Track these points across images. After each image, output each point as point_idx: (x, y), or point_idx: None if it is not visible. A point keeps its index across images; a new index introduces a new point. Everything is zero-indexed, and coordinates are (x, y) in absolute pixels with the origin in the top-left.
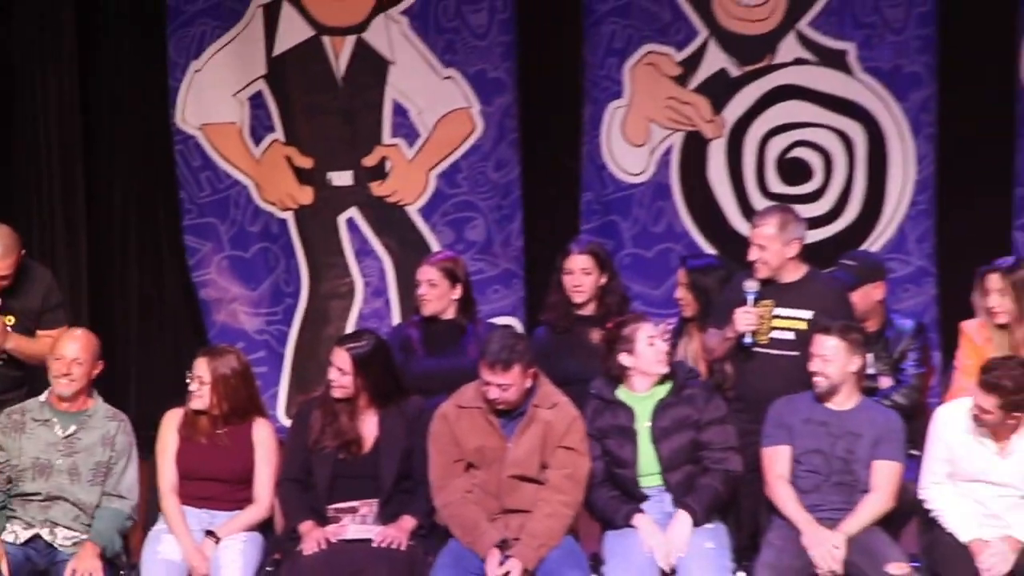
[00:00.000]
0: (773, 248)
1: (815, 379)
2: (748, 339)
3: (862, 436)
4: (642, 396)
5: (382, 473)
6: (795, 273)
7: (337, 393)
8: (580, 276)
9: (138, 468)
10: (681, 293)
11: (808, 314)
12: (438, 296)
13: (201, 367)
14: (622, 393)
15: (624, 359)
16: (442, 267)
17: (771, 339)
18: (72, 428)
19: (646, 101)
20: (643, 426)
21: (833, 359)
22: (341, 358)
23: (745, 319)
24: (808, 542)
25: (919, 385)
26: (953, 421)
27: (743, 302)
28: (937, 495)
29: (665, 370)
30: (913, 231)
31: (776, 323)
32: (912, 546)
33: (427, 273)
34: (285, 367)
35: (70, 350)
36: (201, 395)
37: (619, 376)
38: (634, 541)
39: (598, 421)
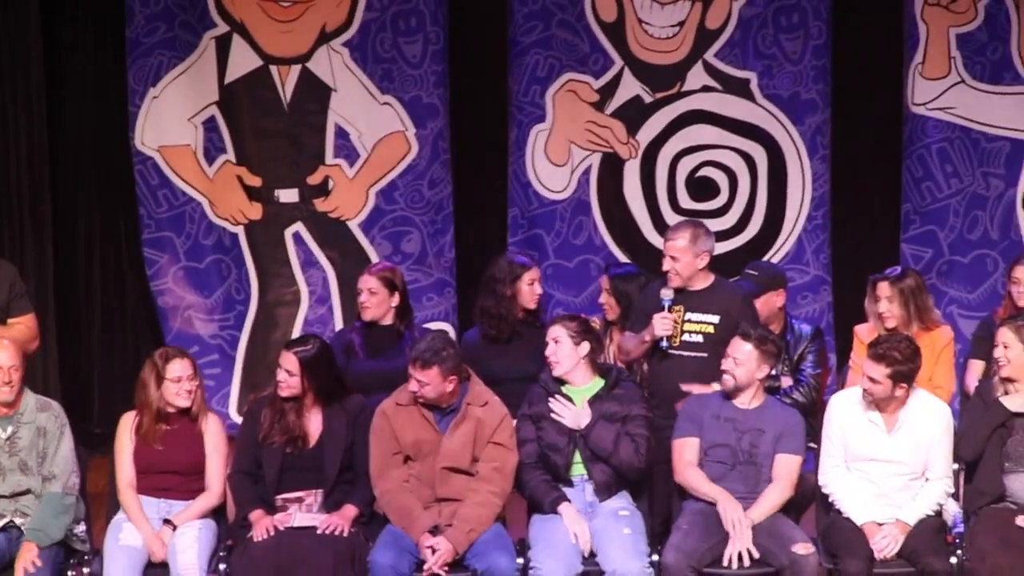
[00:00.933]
0: (685, 259)
1: (724, 377)
2: (665, 342)
3: (766, 432)
4: (579, 389)
5: (326, 465)
6: (704, 282)
7: (285, 392)
8: (538, 286)
9: (72, 446)
10: (604, 299)
11: (715, 319)
12: (378, 303)
13: (188, 367)
14: (564, 385)
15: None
16: (381, 276)
17: (682, 342)
18: (10, 430)
19: (567, 124)
20: None
21: (744, 363)
22: (289, 360)
23: (662, 324)
24: (722, 508)
25: (816, 384)
26: (845, 405)
27: (658, 309)
28: (835, 480)
29: (556, 373)
30: (810, 243)
31: (687, 327)
32: (811, 530)
33: (368, 282)
34: (236, 368)
35: (3, 359)
36: (191, 390)
37: None
38: (558, 527)
39: (537, 406)
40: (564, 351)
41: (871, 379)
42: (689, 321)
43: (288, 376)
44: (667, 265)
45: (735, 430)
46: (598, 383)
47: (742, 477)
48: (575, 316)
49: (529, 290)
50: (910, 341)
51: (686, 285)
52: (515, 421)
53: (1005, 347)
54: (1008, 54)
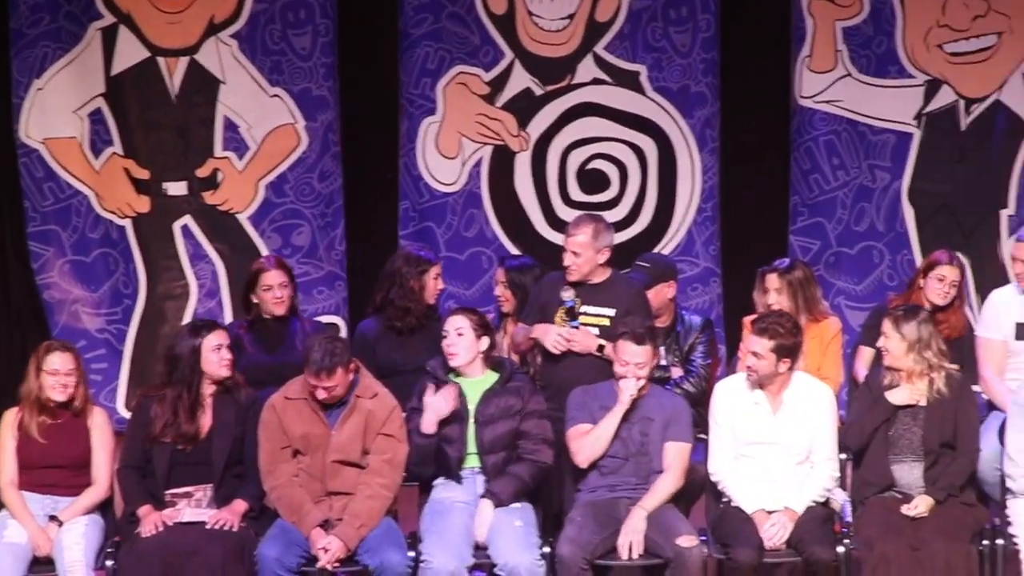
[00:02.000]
0: (586, 255)
1: (628, 383)
2: (568, 303)
3: (654, 420)
4: (471, 381)
5: (214, 460)
6: (601, 275)
7: (228, 370)
8: (441, 281)
9: None
10: (500, 291)
11: (611, 312)
12: (289, 296)
13: (68, 361)
14: (453, 375)
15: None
16: (286, 268)
17: None
18: None
19: (458, 117)
20: (469, 408)
21: (646, 364)
22: (225, 337)
23: (554, 341)
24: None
25: (707, 375)
26: (730, 389)
27: (553, 303)
28: (724, 468)
29: (452, 364)
30: (700, 235)
31: (582, 320)
32: (702, 521)
33: (278, 277)
34: (124, 363)
35: None
36: (67, 384)
37: None
38: (450, 519)
39: (428, 397)
40: (465, 343)
41: (755, 354)
42: (585, 314)
43: (229, 352)
44: (568, 260)
45: (624, 420)
46: (492, 376)
47: (634, 469)
48: (476, 310)
49: (433, 284)
50: (791, 317)
51: (585, 279)
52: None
53: (886, 337)
54: (893, 47)
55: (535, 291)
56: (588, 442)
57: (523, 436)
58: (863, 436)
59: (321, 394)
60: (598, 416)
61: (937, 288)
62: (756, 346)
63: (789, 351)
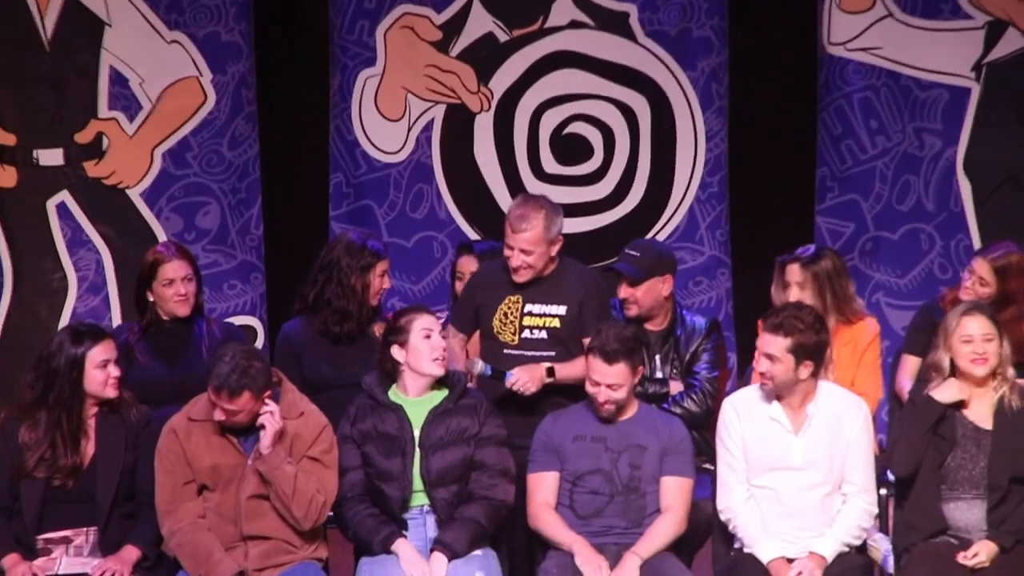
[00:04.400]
0: (539, 251)
1: (604, 406)
2: (487, 370)
3: (647, 448)
4: (415, 400)
5: (98, 495)
6: (549, 267)
7: (115, 391)
8: (388, 279)
9: None
10: (462, 286)
11: (562, 310)
12: (195, 292)
13: None
14: (394, 394)
15: (396, 353)
16: (190, 258)
17: (522, 339)
18: None
19: (402, 69)
20: (414, 435)
21: (623, 383)
22: (113, 350)
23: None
24: (582, 563)
25: (713, 390)
26: (742, 406)
27: (491, 306)
28: (736, 504)
29: (439, 372)
30: (704, 217)
31: (526, 321)
32: (708, 572)
33: (182, 269)
34: None
35: None
36: None
37: (393, 374)
38: (393, 572)
39: (362, 423)
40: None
41: (769, 356)
42: (529, 315)
43: (115, 368)
44: (517, 261)
45: (608, 451)
46: (439, 394)
47: (623, 509)
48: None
49: (379, 283)
50: (812, 309)
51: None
52: None
53: (987, 340)
54: None
55: (468, 289)
56: (543, 524)
57: (478, 467)
58: (913, 450)
59: (218, 415)
60: (569, 453)
61: (965, 284)
62: (770, 346)
63: (811, 351)
